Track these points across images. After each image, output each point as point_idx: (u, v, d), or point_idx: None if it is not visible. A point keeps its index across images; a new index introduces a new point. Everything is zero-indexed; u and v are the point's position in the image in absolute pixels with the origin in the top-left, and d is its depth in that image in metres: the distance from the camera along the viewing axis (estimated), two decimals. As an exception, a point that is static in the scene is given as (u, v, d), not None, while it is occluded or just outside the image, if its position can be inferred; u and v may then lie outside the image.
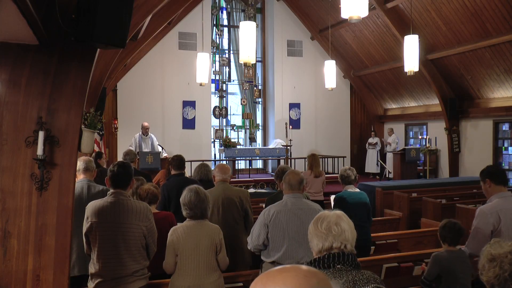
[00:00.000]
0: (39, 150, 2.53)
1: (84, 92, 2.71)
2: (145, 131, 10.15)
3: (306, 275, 0.95)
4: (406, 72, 8.64)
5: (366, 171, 14.00)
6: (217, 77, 13.95)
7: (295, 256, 3.20)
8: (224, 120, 14.06)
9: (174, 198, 4.49)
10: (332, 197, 4.89)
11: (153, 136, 10.34)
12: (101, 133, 9.13)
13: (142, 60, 12.58)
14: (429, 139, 11.72)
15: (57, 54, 2.65)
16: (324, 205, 6.47)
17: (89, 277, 3.06)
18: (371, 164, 13.97)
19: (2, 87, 2.60)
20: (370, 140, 14.11)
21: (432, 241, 5.25)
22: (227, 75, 14.16)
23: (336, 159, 13.42)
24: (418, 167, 12.23)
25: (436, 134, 12.10)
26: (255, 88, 14.31)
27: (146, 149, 9.99)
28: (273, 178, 7.31)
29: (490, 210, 3.23)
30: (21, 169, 2.59)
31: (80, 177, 3.88)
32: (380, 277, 2.93)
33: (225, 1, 14.23)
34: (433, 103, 12.49)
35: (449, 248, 3.32)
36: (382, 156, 13.75)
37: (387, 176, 12.95)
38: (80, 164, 3.84)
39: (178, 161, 4.94)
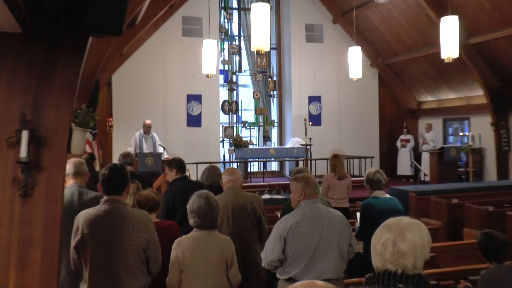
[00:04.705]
0: (23, 152, 2.54)
1: (74, 86, 2.73)
2: (147, 129, 10.22)
3: None
4: (444, 59, 8.53)
5: (398, 173, 13.89)
6: (226, 68, 13.97)
7: (316, 270, 3.17)
8: (235, 116, 14.07)
9: (179, 206, 4.48)
10: None
11: (155, 135, 10.40)
12: (93, 132, 9.22)
13: (141, 49, 12.65)
14: (472, 136, 11.56)
15: (44, 43, 2.67)
16: (350, 213, 6.41)
17: (81, 297, 3.07)
18: (404, 166, 13.84)
19: (-19, 81, 2.62)
20: (402, 136, 14.00)
21: (477, 255, 5.16)
22: (237, 65, 14.17)
23: (363, 160, 13.30)
24: (459, 169, 12.07)
25: (480, 130, 11.95)
26: (269, 79, 14.29)
27: (147, 149, 10.07)
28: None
29: None
30: (1, 173, 2.61)
31: (70, 182, 3.87)
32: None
33: (234, -19, 14.26)
34: (476, 94, 12.31)
35: (497, 264, 3.24)
36: (417, 156, 13.60)
37: (422, 179, 12.82)
38: (69, 167, 3.83)
39: (179, 163, 4.94)
